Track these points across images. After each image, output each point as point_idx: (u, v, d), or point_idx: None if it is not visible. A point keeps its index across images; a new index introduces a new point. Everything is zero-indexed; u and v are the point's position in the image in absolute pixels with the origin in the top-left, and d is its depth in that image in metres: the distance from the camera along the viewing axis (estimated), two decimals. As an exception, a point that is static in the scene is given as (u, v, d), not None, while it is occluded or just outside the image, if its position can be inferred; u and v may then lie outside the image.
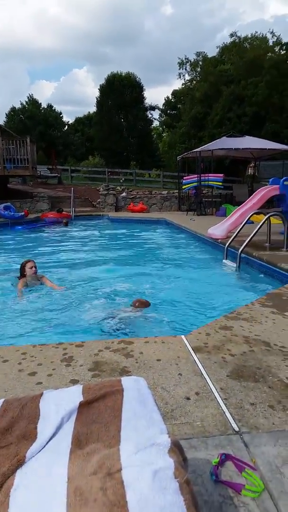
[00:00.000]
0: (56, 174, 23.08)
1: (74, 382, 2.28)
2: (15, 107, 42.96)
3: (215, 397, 2.13)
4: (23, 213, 13.74)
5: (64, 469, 0.88)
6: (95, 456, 0.91)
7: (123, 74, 37.70)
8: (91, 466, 0.87)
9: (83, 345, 2.84)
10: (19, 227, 12.70)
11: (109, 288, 5.72)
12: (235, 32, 33.32)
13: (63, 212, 14.71)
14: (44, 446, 1.00)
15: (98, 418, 1.08)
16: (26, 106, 42.80)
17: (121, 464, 0.88)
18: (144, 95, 39.13)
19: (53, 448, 0.99)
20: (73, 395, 1.19)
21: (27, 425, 1.07)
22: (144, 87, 38.98)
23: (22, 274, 5.59)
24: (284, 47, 31.12)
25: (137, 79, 38.03)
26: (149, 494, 0.80)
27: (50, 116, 43.03)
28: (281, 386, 2.26)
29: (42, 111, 43.23)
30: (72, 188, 16.78)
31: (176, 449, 0.97)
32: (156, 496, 0.80)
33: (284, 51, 30.96)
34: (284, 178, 8.03)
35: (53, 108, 45.05)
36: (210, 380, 2.31)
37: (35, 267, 5.63)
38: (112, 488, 0.81)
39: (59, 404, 1.15)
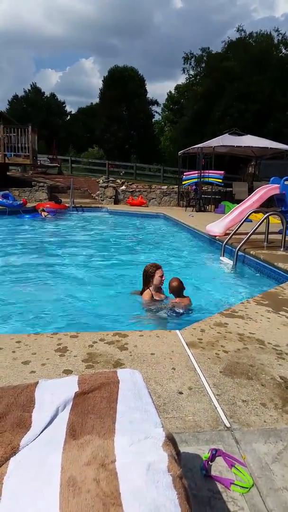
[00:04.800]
0: (56, 164, 22.94)
1: (67, 372, 2.28)
2: (17, 95, 42.63)
3: (208, 393, 2.14)
4: (21, 202, 13.66)
5: (58, 459, 0.88)
6: (90, 447, 0.91)
7: (127, 67, 37.45)
8: (85, 456, 0.87)
9: (77, 336, 2.85)
10: (27, 216, 12.54)
11: (105, 281, 5.72)
12: (242, 26, 33.06)
13: (61, 203, 14.65)
14: (39, 435, 1.00)
15: (93, 409, 1.08)
16: (29, 94, 42.46)
17: (115, 456, 0.88)
18: (147, 89, 38.93)
19: (48, 437, 0.99)
20: (69, 385, 1.19)
21: (22, 413, 1.07)
22: (145, 81, 38.77)
23: (147, 282, 4.45)
24: None
25: (139, 73, 37.81)
26: (142, 486, 0.80)
27: (53, 105, 42.72)
28: (274, 384, 2.27)
29: (45, 99, 42.90)
30: (72, 179, 16.69)
31: (170, 442, 0.97)
32: (150, 489, 0.80)
33: None
34: (284, 177, 8.03)
35: (56, 98, 44.73)
36: (203, 375, 2.32)
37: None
38: (105, 479, 0.81)
39: (54, 394, 1.15)
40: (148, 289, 4.40)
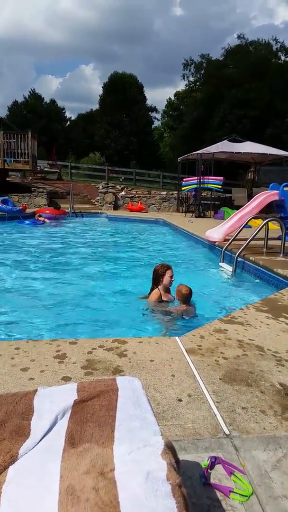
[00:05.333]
0: (56, 170, 23.03)
1: (66, 379, 2.28)
2: (17, 101, 42.87)
3: (207, 400, 2.14)
4: (21, 208, 13.69)
5: (57, 467, 0.88)
6: (89, 455, 0.91)
7: (124, 74, 37.75)
8: (84, 465, 0.87)
9: (76, 342, 2.84)
10: (27, 222, 12.55)
11: (103, 287, 5.72)
12: (243, 34, 33.42)
13: (60, 209, 14.69)
14: (38, 443, 1.00)
15: (92, 417, 1.08)
16: (29, 100, 42.72)
17: (114, 464, 0.88)
18: (146, 96, 39.21)
19: (47, 445, 0.99)
20: (68, 393, 1.19)
21: (21, 421, 1.07)
22: (144, 88, 39.07)
23: (157, 281, 4.46)
24: None
25: (136, 79, 38.11)
26: (141, 495, 0.80)
27: (53, 110, 42.97)
28: (273, 391, 2.27)
29: (45, 105, 43.15)
30: (71, 185, 16.75)
31: (169, 451, 0.97)
32: (149, 498, 0.80)
33: None
34: (284, 184, 8.07)
35: (56, 104, 44.99)
36: (203, 382, 2.32)
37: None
38: (104, 488, 0.81)
39: (53, 402, 1.15)
40: (157, 289, 4.42)
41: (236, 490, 1.53)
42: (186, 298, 4.33)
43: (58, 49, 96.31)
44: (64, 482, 0.83)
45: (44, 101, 44.00)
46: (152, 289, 4.49)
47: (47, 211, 14.13)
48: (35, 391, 1.23)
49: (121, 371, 2.41)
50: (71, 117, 49.11)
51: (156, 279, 4.45)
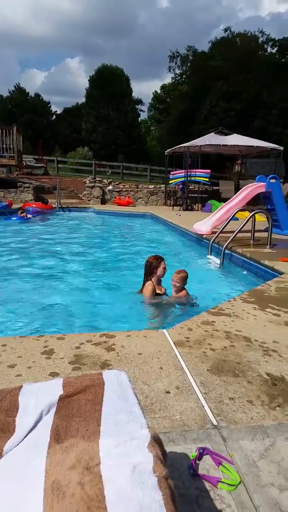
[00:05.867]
0: (42, 165, 22.78)
1: (54, 375, 2.27)
2: (2, 96, 42.17)
3: (195, 391, 2.15)
4: (6, 203, 13.53)
5: (42, 463, 0.87)
6: (74, 450, 0.90)
7: (112, 66, 37.36)
8: (69, 460, 0.86)
9: (64, 337, 2.83)
10: (14, 218, 12.37)
11: (91, 281, 5.70)
12: (230, 27, 33.42)
13: (48, 204, 14.56)
14: (22, 440, 0.99)
15: (78, 412, 1.08)
16: (14, 94, 42.07)
17: (100, 458, 0.88)
18: (132, 89, 38.90)
19: (31, 441, 0.98)
20: (53, 388, 1.18)
21: (6, 418, 1.06)
22: (130, 80, 38.75)
23: (151, 273, 4.45)
24: (276, 44, 31.37)
25: (123, 71, 37.76)
26: (127, 488, 0.80)
27: (38, 105, 42.40)
28: (260, 381, 2.29)
29: (30, 100, 42.55)
30: (58, 179, 16.59)
31: (156, 443, 0.97)
32: (135, 491, 0.80)
33: (276, 48, 31.21)
34: (270, 176, 8.11)
35: (41, 98, 44.40)
36: (191, 374, 2.33)
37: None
38: (90, 482, 0.80)
39: (38, 397, 1.14)
40: (150, 281, 4.42)
41: (224, 480, 1.55)
42: (185, 279, 4.45)
43: (42, 43, 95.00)
44: (49, 478, 0.82)
45: (29, 95, 43.37)
46: (145, 282, 4.46)
47: (34, 205, 13.99)
48: (20, 387, 1.21)
49: (109, 365, 2.40)
50: (56, 111, 48.56)
51: (150, 271, 4.44)
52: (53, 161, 24.97)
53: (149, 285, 4.39)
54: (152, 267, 4.41)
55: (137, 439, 0.97)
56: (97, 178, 18.76)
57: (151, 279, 4.42)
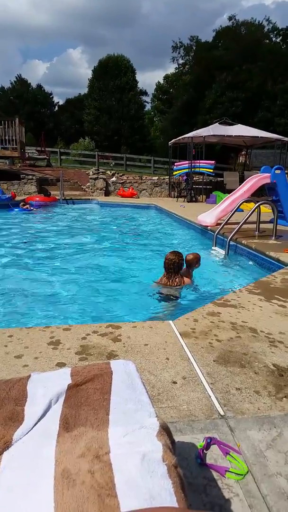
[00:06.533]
0: (45, 157, 22.72)
1: (60, 365, 2.27)
2: (3, 87, 41.99)
3: (202, 382, 2.15)
4: (10, 195, 13.52)
5: (52, 452, 0.87)
6: (83, 439, 0.90)
7: (117, 56, 36.95)
8: (79, 448, 0.86)
9: (70, 328, 2.83)
10: (16, 209, 12.38)
11: (97, 272, 5.71)
12: (234, 16, 32.99)
13: (51, 196, 14.53)
14: (32, 429, 0.99)
15: (86, 400, 1.07)
16: (15, 85, 41.87)
17: (109, 447, 0.87)
18: (137, 79, 38.55)
19: (41, 430, 0.98)
20: (61, 378, 1.18)
21: (14, 407, 1.06)
22: (136, 71, 38.37)
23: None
24: (281, 32, 30.94)
25: (130, 62, 37.37)
26: (137, 477, 0.80)
27: (40, 96, 42.20)
28: (267, 372, 2.29)
29: (32, 91, 42.34)
30: (61, 171, 16.55)
31: (164, 432, 0.97)
32: (145, 479, 0.79)
33: (281, 38, 30.80)
34: (275, 166, 8.04)
35: (42, 89, 44.15)
36: (197, 364, 2.33)
37: None
38: (100, 470, 0.80)
39: (47, 387, 1.14)
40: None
41: (232, 469, 1.55)
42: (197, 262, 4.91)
43: (44, 33, 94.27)
44: (59, 466, 0.82)
45: (31, 86, 43.14)
46: (179, 276, 4.57)
47: (37, 199, 13.96)
48: (29, 376, 1.21)
49: (116, 355, 2.41)
50: (58, 102, 48.30)
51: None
52: (56, 152, 24.89)
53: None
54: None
55: (146, 428, 0.97)
56: (101, 170, 18.69)
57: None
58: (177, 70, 38.31)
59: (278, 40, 32.71)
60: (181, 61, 36.61)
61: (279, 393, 2.08)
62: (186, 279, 4.58)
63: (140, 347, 2.53)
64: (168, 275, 4.51)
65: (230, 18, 33.19)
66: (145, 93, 42.97)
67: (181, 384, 2.12)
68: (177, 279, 4.50)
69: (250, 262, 6.05)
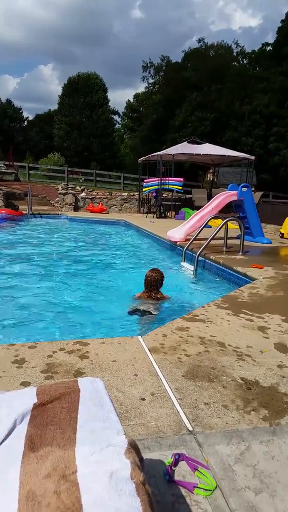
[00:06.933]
0: (13, 171, 22.38)
1: (25, 384, 2.21)
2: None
3: (170, 397, 2.15)
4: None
5: (16, 473, 0.84)
6: (50, 459, 0.88)
7: (89, 74, 37.36)
8: (45, 468, 0.84)
9: (36, 346, 2.77)
10: None
11: (63, 288, 5.63)
12: (203, 38, 34.22)
13: (18, 210, 14.31)
14: (-5, 450, 0.95)
15: (53, 420, 1.05)
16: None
17: (76, 466, 0.85)
18: (108, 97, 39.02)
19: (5, 451, 0.95)
20: (27, 397, 1.15)
21: (-23, 428, 1.02)
22: (107, 89, 38.86)
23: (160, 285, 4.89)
24: (247, 56, 32.36)
25: (101, 80, 37.86)
26: (105, 496, 0.78)
27: (9, 110, 41.85)
28: (235, 386, 2.31)
29: (1, 105, 41.95)
30: (30, 186, 16.36)
31: (133, 449, 0.96)
32: (112, 498, 0.78)
33: (247, 61, 32.19)
34: (242, 184, 8.29)
35: (12, 104, 43.85)
36: (166, 380, 2.32)
37: None
38: (66, 491, 0.78)
39: (11, 406, 1.10)
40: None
41: (200, 485, 1.54)
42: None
43: (15, 49, 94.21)
44: (24, 488, 0.80)
45: (0, 101, 42.76)
46: (157, 292, 4.69)
47: (3, 211, 13.70)
48: (-8, 396, 1.17)
49: (83, 373, 2.37)
50: (28, 117, 48.06)
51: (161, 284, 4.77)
52: (24, 167, 24.60)
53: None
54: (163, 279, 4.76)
55: (114, 446, 0.96)
56: (70, 185, 18.63)
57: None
58: (147, 89, 39.12)
59: (245, 62, 34.19)
60: (151, 81, 37.45)
61: (247, 407, 2.11)
62: (165, 295, 4.68)
63: (108, 364, 2.51)
64: (149, 292, 4.63)
65: (199, 41, 34.42)
66: (116, 112, 43.60)
67: (149, 401, 2.10)
68: (158, 295, 4.63)
69: (218, 277, 6.16)
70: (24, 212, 14.71)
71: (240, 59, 34.14)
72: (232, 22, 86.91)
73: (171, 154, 15.70)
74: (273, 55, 30.07)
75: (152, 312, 4.32)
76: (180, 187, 16.15)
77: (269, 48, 31.94)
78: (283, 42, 28.44)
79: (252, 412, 2.06)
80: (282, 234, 9.52)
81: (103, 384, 1.30)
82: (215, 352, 2.78)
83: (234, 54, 34.22)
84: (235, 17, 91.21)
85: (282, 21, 29.61)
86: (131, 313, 4.34)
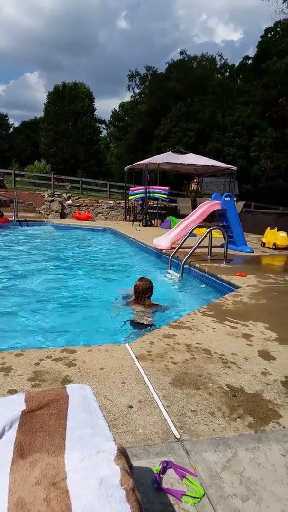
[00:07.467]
0: (-1, 178, 22.24)
1: (12, 392, 2.18)
2: None
3: (157, 405, 2.14)
4: None
5: (5, 481, 0.83)
6: (39, 466, 0.87)
7: (76, 83, 37.54)
8: (34, 476, 0.83)
9: (23, 354, 2.73)
10: None
11: (49, 296, 5.58)
12: (185, 50, 34.79)
13: (3, 217, 14.18)
14: (-17, 458, 0.94)
15: (42, 426, 1.04)
16: None
17: (66, 473, 0.85)
18: (94, 106, 39.20)
19: (-7, 459, 0.93)
20: (15, 404, 1.13)
21: None
22: (94, 97, 39.05)
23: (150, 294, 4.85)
24: (229, 69, 33.08)
25: (88, 89, 38.07)
26: (95, 502, 0.78)
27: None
28: (221, 393, 2.33)
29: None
30: (15, 192, 16.24)
31: (122, 456, 0.96)
32: (102, 505, 0.78)
33: (229, 73, 32.89)
34: (225, 194, 8.39)
35: (-3, 111, 43.69)
36: (153, 388, 2.32)
37: None
38: (56, 498, 0.77)
39: (-1, 413, 1.09)
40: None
41: (188, 493, 1.54)
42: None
43: (1, 56, 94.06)
44: (13, 495, 0.79)
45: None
46: (148, 301, 4.70)
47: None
48: (-21, 404, 1.16)
49: (70, 381, 2.35)
50: (13, 124, 47.88)
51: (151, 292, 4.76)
52: (10, 174, 24.43)
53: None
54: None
55: (103, 452, 0.95)
56: (56, 193, 18.55)
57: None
58: (132, 99, 39.45)
59: (227, 75, 34.88)
60: (137, 90, 37.81)
61: (233, 414, 2.12)
62: (157, 303, 4.68)
63: (96, 372, 2.49)
64: (140, 301, 4.64)
65: (181, 53, 34.97)
66: (103, 121, 43.81)
67: (137, 408, 2.10)
68: (147, 303, 4.64)
69: (203, 285, 6.20)
70: (10, 218, 14.57)
71: (223, 71, 34.85)
72: (215, 35, 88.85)
73: (156, 163, 15.83)
74: (253, 69, 30.84)
75: (151, 325, 4.30)
76: (166, 196, 16.27)
77: (249, 61, 32.71)
78: (263, 56, 29.18)
79: (238, 419, 2.08)
80: (264, 243, 9.67)
81: (91, 390, 1.30)
82: (201, 360, 2.80)
83: (218, 66, 34.90)
84: (217, 31, 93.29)
85: (261, 36, 30.45)
86: (132, 324, 4.31)
